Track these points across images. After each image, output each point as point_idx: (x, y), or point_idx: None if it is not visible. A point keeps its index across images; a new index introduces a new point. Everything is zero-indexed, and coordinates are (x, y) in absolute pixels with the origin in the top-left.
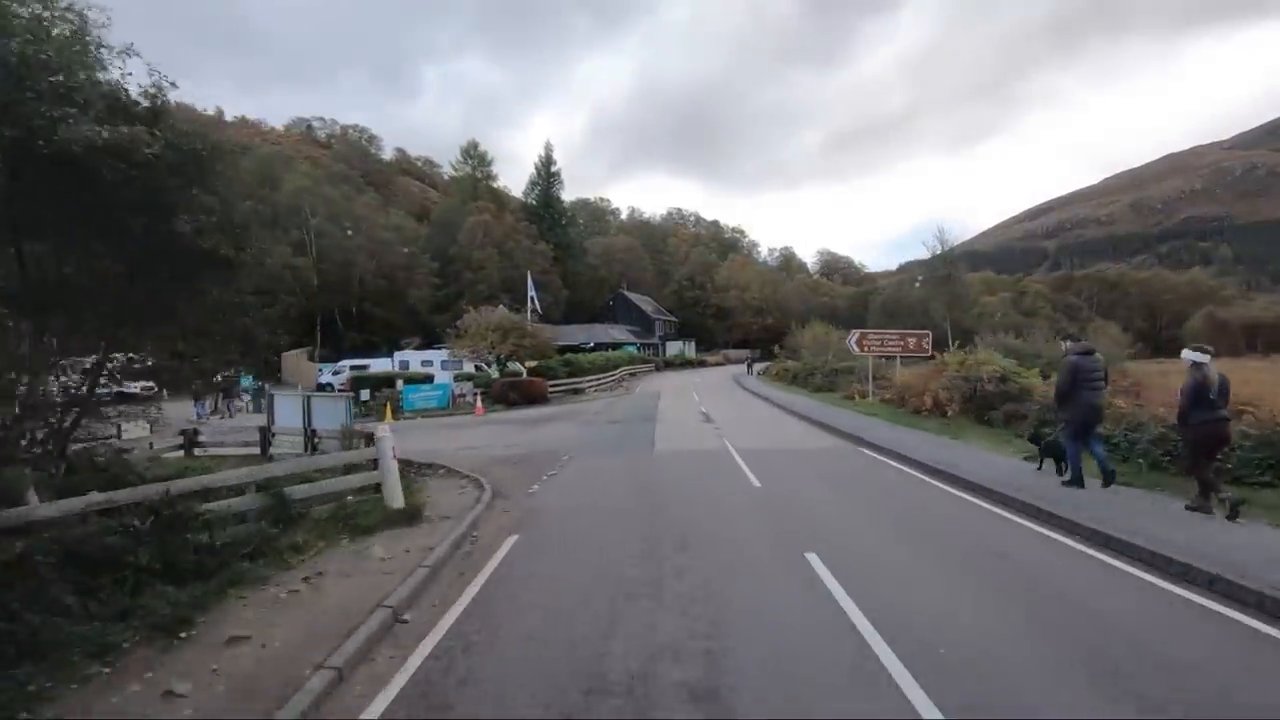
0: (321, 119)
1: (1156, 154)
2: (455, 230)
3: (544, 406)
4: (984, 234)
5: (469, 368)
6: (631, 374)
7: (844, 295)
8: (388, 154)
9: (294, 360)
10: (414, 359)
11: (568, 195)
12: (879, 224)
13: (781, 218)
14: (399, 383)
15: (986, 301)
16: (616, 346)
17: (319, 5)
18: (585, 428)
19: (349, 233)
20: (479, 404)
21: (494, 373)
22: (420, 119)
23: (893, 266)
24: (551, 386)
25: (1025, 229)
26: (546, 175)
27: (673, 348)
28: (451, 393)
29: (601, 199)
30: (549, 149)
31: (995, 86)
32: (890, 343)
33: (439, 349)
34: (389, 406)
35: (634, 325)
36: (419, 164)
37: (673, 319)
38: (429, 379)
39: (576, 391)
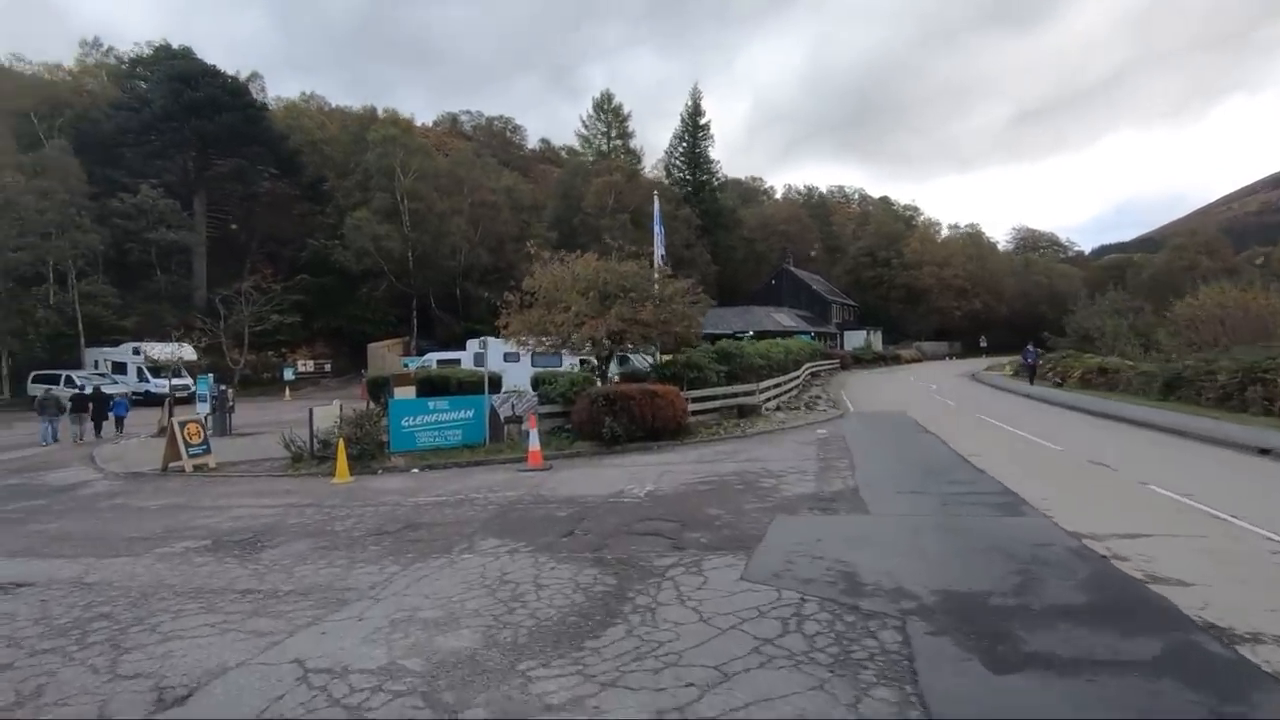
0: (469, 112)
1: None
2: (580, 197)
3: (673, 449)
4: (1206, 210)
5: (570, 364)
6: (813, 374)
7: (1064, 274)
8: (531, 143)
9: (380, 353)
10: (493, 349)
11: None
12: (1071, 205)
13: (957, 200)
14: (398, 392)
15: None
16: (784, 335)
17: (499, 19)
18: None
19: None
20: (533, 439)
21: (610, 370)
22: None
23: (1086, 249)
24: (694, 399)
25: (1262, 200)
26: (693, 128)
27: (853, 338)
28: (511, 408)
29: (753, 178)
30: (696, 94)
31: (1234, 36)
32: None
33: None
34: (341, 448)
35: (803, 309)
36: (563, 153)
37: (851, 303)
38: (482, 382)
39: (744, 411)
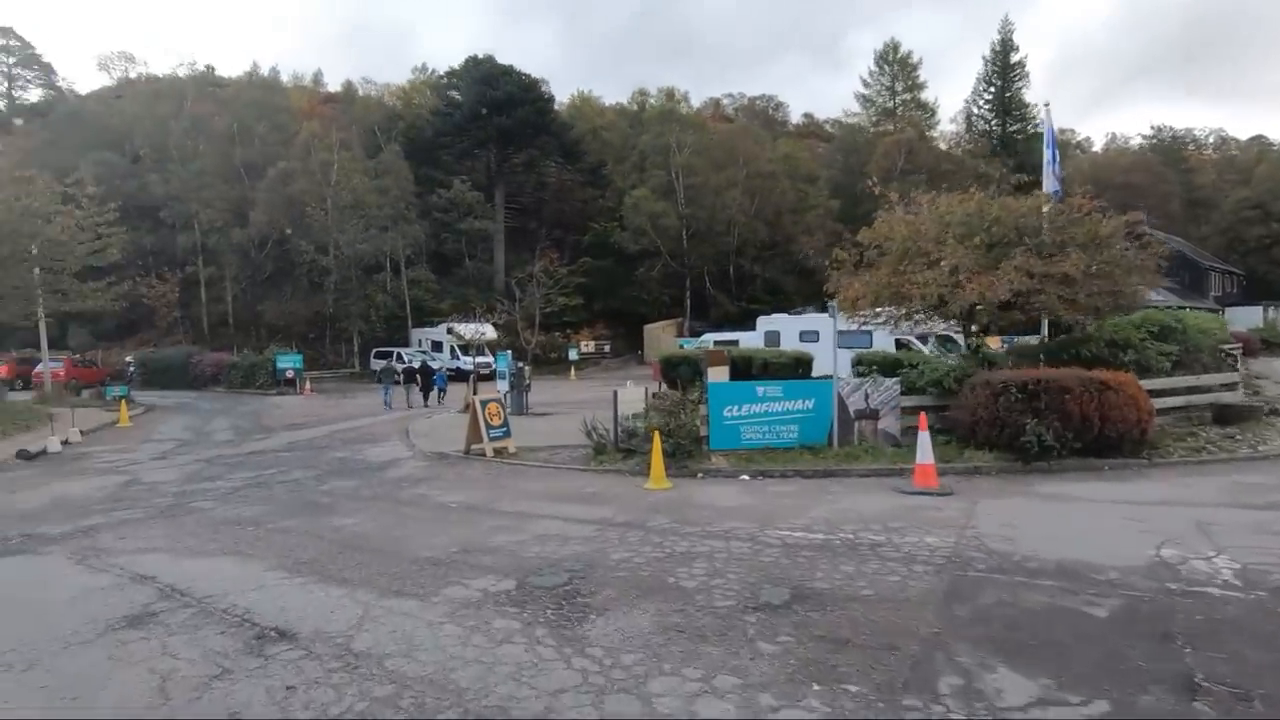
0: (730, 94)
1: None
2: (863, 161)
3: (1142, 473)
4: None
5: (883, 343)
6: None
7: None
8: (795, 118)
9: (655, 334)
10: (788, 328)
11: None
12: None
13: None
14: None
15: None
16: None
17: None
18: None
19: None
20: (924, 447)
21: (957, 354)
22: (847, 89)
23: None
24: (1157, 393)
25: None
26: (1002, 69)
27: (1241, 315)
28: (865, 399)
29: (1061, 130)
30: (1006, 28)
31: None
32: None
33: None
34: (657, 445)
35: (1167, 278)
36: (827, 126)
37: (1236, 270)
38: (795, 364)
39: (1224, 416)
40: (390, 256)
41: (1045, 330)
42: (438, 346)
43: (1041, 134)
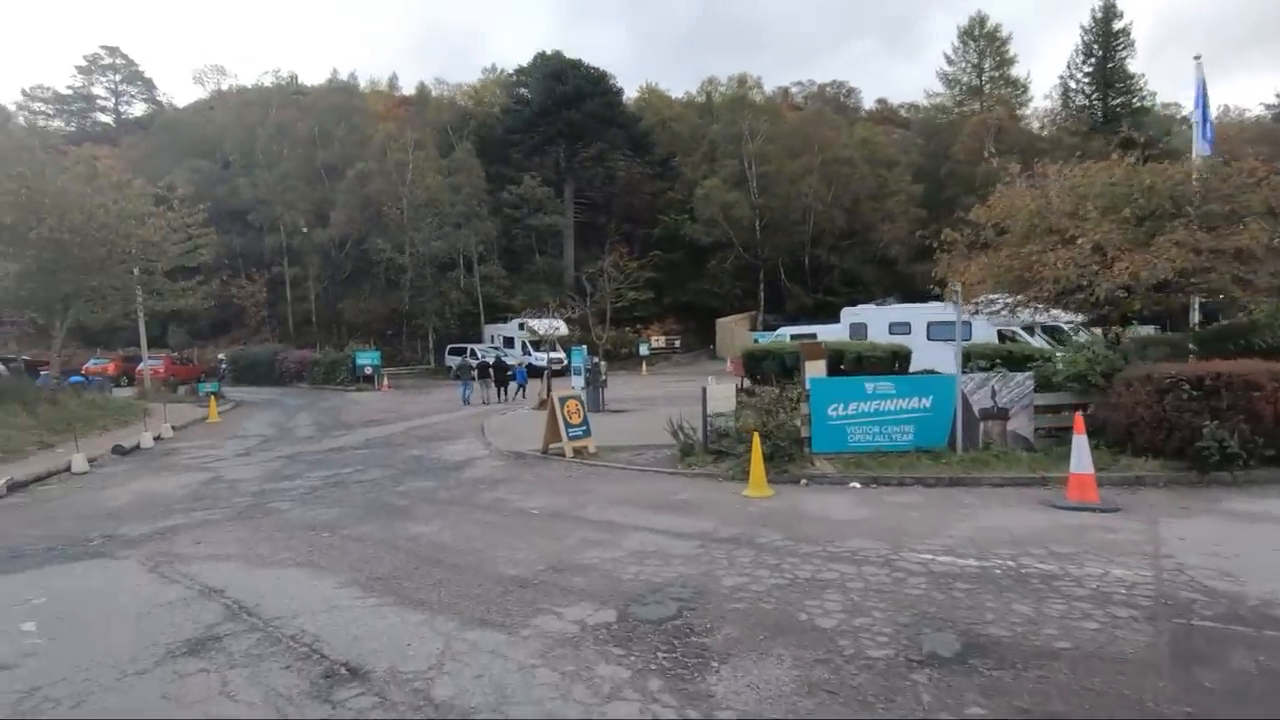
0: (799, 83)
1: None
2: (946, 144)
3: None
4: None
5: (986, 335)
6: None
7: None
8: (867, 104)
9: (728, 328)
10: (876, 319)
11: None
12: None
13: None
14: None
15: None
16: None
17: None
18: None
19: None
20: (1080, 453)
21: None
22: (922, 73)
23: None
24: None
25: None
26: (1105, 37)
27: None
28: (991, 396)
29: (1164, 105)
30: None
31: None
32: None
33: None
34: (758, 449)
35: None
36: (902, 111)
37: None
38: (892, 358)
39: None
40: (463, 254)
41: (1195, 316)
42: (509, 342)
43: (1149, 107)
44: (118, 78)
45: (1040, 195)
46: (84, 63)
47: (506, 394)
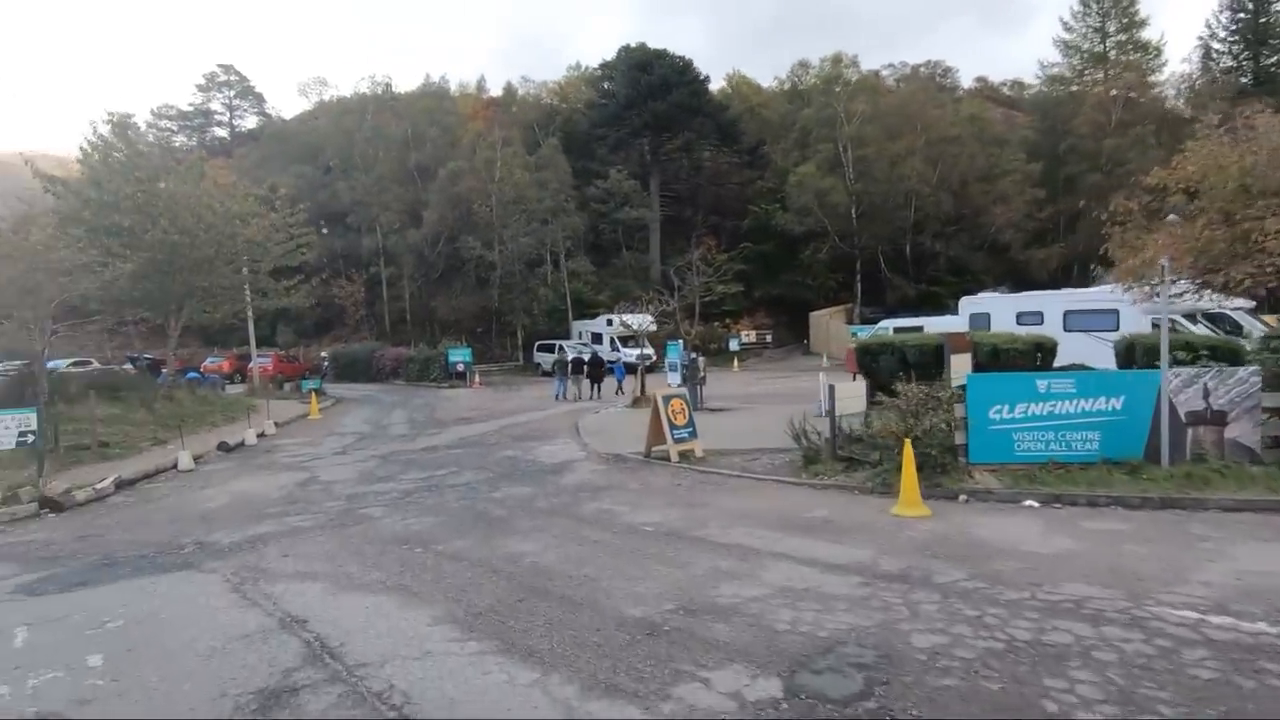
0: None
1: None
2: (1065, 118)
3: None
4: None
5: (1123, 332)
6: None
7: None
8: (966, 83)
9: (822, 322)
10: (1001, 308)
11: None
12: None
13: None
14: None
15: None
16: None
17: None
18: None
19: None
20: None
21: None
22: (1025, 48)
23: None
24: None
25: None
26: None
27: None
28: (1203, 396)
29: None
30: None
31: None
32: None
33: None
34: (909, 459)
35: None
36: (1004, 89)
37: None
38: (1035, 350)
39: None
40: (550, 250)
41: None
42: (597, 338)
43: None
44: (232, 93)
45: (1250, 150)
46: (203, 81)
47: (600, 391)
